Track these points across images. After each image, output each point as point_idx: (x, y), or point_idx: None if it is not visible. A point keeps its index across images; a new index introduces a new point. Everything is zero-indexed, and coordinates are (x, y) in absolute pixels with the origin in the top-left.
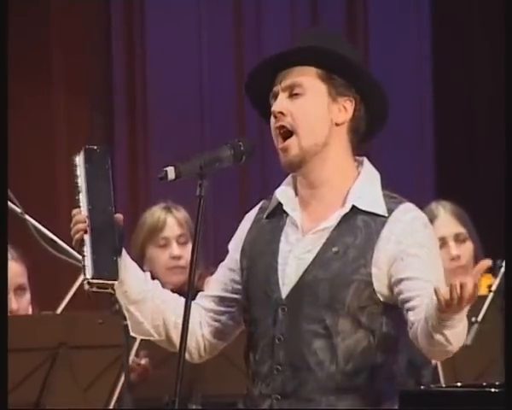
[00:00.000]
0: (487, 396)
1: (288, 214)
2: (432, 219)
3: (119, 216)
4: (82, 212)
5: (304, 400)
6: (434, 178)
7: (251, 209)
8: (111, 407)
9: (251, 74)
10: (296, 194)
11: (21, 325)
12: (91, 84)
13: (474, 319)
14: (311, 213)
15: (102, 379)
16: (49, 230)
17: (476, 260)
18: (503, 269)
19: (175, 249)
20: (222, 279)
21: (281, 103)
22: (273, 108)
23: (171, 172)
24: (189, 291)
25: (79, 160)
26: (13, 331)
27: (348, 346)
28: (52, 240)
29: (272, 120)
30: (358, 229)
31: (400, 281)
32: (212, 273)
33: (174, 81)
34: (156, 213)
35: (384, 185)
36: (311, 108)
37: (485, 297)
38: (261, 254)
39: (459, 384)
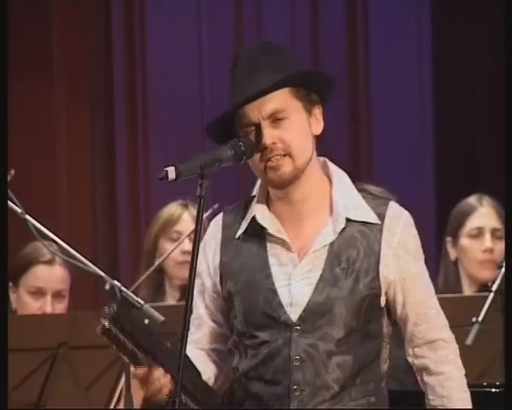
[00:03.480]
0: (487, 396)
1: (269, 234)
2: (471, 211)
3: None
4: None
5: None
6: (435, 178)
7: None
8: (111, 406)
9: (215, 122)
10: (270, 210)
11: (22, 325)
12: (91, 84)
13: (474, 319)
14: (296, 231)
15: (103, 379)
16: (49, 230)
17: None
18: (503, 269)
19: (187, 245)
20: (210, 311)
21: (269, 134)
22: (265, 142)
23: (171, 172)
24: (189, 291)
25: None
26: (13, 331)
27: (361, 358)
28: (52, 240)
29: (259, 152)
30: (358, 241)
31: (405, 305)
32: None
33: (174, 81)
34: (172, 207)
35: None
36: (298, 129)
37: (485, 297)
38: (252, 276)
39: None
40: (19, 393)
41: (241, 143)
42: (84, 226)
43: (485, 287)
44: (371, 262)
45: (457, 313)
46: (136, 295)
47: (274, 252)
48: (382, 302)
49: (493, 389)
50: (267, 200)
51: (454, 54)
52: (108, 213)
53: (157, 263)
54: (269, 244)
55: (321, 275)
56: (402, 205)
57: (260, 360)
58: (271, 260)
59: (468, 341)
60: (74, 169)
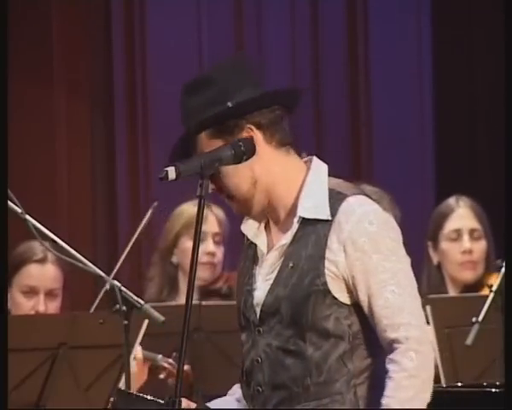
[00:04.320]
0: (487, 396)
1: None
2: (449, 213)
3: None
4: None
5: None
6: (435, 178)
7: None
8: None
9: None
10: (263, 219)
11: (21, 325)
12: (91, 84)
13: (474, 319)
14: (273, 233)
15: (103, 379)
16: (49, 230)
17: (488, 259)
18: (503, 269)
19: (210, 245)
20: None
21: (209, 186)
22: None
23: (171, 172)
24: (189, 291)
25: None
26: (13, 331)
27: (321, 356)
28: (52, 240)
29: None
30: (309, 239)
31: (360, 302)
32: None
33: (174, 81)
34: (196, 206)
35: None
36: (227, 176)
37: (485, 297)
38: (243, 279)
39: (459, 384)
40: (19, 393)
41: (241, 143)
42: (84, 226)
43: (468, 288)
44: (316, 259)
45: (457, 313)
46: (147, 288)
47: (258, 255)
48: (343, 299)
49: (493, 389)
50: None
51: (454, 54)
52: (108, 213)
53: (133, 240)
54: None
55: (276, 276)
56: (402, 205)
57: (243, 362)
58: (254, 263)
59: (468, 341)
60: (74, 168)
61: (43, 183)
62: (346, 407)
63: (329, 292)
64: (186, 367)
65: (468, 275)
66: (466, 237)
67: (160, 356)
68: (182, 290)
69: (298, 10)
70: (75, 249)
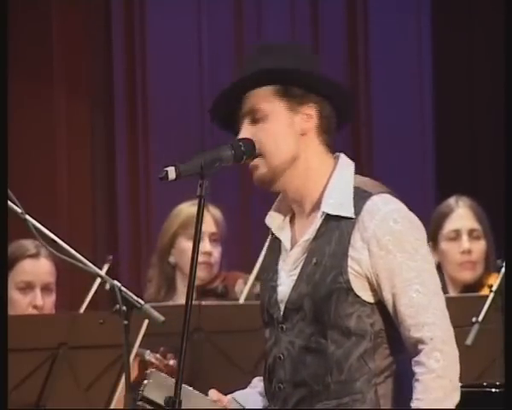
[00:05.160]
0: (487, 396)
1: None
2: (449, 213)
3: None
4: None
5: None
6: (435, 178)
7: (251, 209)
8: (111, 407)
9: (214, 104)
10: (289, 211)
11: (21, 325)
12: (91, 84)
13: (474, 319)
14: (298, 228)
15: (103, 379)
16: (49, 230)
17: (487, 259)
18: (503, 269)
19: (207, 245)
20: None
21: (244, 132)
22: (238, 137)
23: (171, 172)
24: (188, 291)
25: None
26: (13, 331)
27: (342, 354)
28: (52, 240)
29: None
30: (333, 236)
31: (384, 301)
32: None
33: (174, 81)
34: (193, 206)
35: (364, 174)
36: (274, 131)
37: (485, 297)
38: (267, 274)
39: (459, 384)
40: (19, 393)
41: (241, 143)
42: (84, 226)
43: (467, 288)
44: (339, 257)
45: (457, 313)
46: (146, 289)
47: (282, 249)
48: (366, 298)
49: (493, 389)
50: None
51: (454, 54)
52: (108, 213)
53: None
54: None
55: (300, 272)
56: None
57: (266, 359)
58: (280, 258)
59: (468, 341)
60: (74, 169)
61: (43, 183)
62: (367, 406)
63: (352, 290)
64: (172, 362)
65: (468, 275)
66: (465, 238)
67: (148, 351)
68: (179, 290)
69: (298, 10)
70: (75, 249)
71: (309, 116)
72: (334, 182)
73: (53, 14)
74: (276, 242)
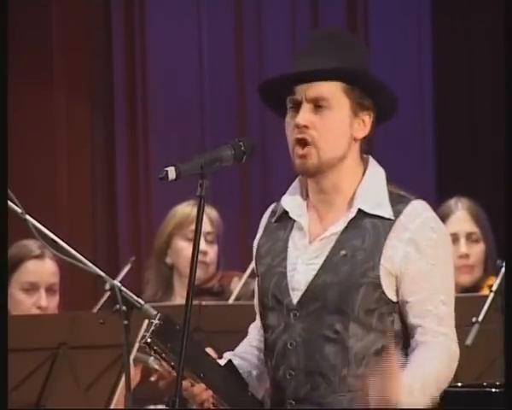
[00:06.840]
0: (487, 396)
1: (295, 220)
2: (448, 215)
3: None
4: None
5: (317, 404)
6: (435, 178)
7: (251, 209)
8: (112, 407)
9: (268, 81)
10: (305, 198)
11: (21, 325)
12: (91, 85)
13: (474, 319)
14: (320, 218)
15: (103, 379)
16: (49, 230)
17: (486, 262)
18: (503, 269)
19: (202, 244)
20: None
21: (305, 116)
22: (298, 120)
23: (171, 172)
24: (189, 291)
25: None
26: (13, 331)
27: (360, 348)
28: (52, 240)
29: (291, 128)
30: (367, 232)
31: (407, 302)
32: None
33: (174, 81)
34: (189, 206)
35: (390, 180)
36: (336, 123)
37: (485, 297)
38: (272, 259)
39: (459, 384)
40: (19, 393)
41: (241, 143)
42: (84, 226)
43: (465, 291)
44: (372, 252)
45: (457, 313)
46: (144, 291)
47: (293, 235)
48: (391, 296)
49: (493, 389)
50: (306, 185)
51: (454, 55)
52: (108, 213)
53: None
54: (292, 229)
55: (324, 261)
56: None
57: (270, 345)
58: (290, 244)
59: (468, 341)
60: (74, 169)
61: (43, 183)
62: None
63: (380, 287)
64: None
65: (465, 279)
66: (462, 241)
67: (151, 358)
68: (176, 291)
69: (298, 10)
70: (75, 249)
71: (364, 123)
72: (368, 181)
73: (53, 15)
74: (283, 227)
